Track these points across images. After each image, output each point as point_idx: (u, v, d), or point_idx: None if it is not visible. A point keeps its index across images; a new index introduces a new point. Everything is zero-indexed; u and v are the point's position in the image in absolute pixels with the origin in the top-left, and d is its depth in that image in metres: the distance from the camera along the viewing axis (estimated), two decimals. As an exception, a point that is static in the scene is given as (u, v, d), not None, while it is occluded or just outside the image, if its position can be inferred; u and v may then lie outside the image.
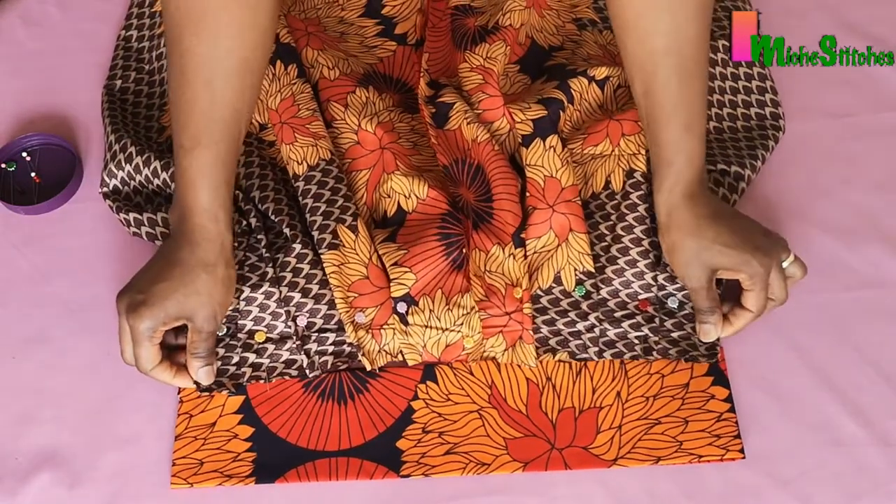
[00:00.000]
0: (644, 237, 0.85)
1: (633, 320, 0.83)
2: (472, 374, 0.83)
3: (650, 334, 0.83)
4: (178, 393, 0.83)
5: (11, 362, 0.86)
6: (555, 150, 0.88)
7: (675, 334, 0.83)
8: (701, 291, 0.80)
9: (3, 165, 0.96)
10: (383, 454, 0.80)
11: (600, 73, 0.93)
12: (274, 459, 0.80)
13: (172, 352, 0.81)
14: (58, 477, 0.80)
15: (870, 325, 0.85)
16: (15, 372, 0.86)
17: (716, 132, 0.94)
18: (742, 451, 0.79)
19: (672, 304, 0.84)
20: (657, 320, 0.84)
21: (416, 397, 0.82)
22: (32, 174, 0.95)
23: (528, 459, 0.79)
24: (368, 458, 0.80)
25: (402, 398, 0.82)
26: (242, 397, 0.83)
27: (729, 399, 0.81)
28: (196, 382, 0.80)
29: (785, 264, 0.80)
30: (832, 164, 0.94)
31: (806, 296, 0.86)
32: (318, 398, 0.82)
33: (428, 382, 0.83)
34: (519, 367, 0.83)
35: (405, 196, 0.87)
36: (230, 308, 0.83)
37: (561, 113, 0.91)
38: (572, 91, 0.92)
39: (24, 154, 0.96)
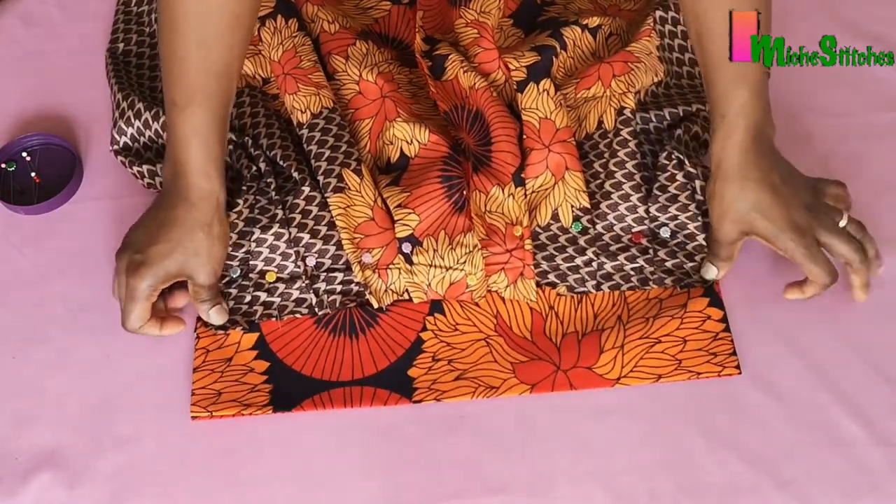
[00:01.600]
0: (635, 171, 0.88)
1: (629, 253, 0.87)
2: (477, 304, 0.86)
3: (645, 265, 0.86)
4: (195, 329, 0.86)
5: (11, 362, 0.86)
6: (548, 93, 0.91)
7: (669, 263, 0.87)
8: (723, 244, 0.83)
9: (3, 165, 0.96)
10: (396, 382, 0.83)
11: (592, 21, 0.96)
12: (290, 390, 0.83)
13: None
14: (58, 477, 0.80)
15: (870, 325, 0.85)
16: (15, 372, 0.86)
17: (688, 77, 0.96)
18: (738, 367, 0.82)
19: (664, 233, 0.87)
20: (651, 251, 0.87)
21: (424, 328, 0.85)
22: (32, 174, 0.95)
23: (535, 381, 0.82)
24: (382, 386, 0.83)
25: (411, 329, 0.85)
26: (257, 334, 0.85)
27: (724, 319, 0.84)
28: (207, 323, 0.84)
29: (842, 223, 0.82)
30: (832, 164, 0.94)
31: (806, 296, 0.86)
32: (331, 333, 0.85)
33: (435, 314, 0.86)
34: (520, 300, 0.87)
35: (407, 142, 0.90)
36: (242, 250, 0.86)
37: (554, 59, 0.93)
38: (565, 38, 0.94)
39: (24, 154, 0.96)
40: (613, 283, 0.86)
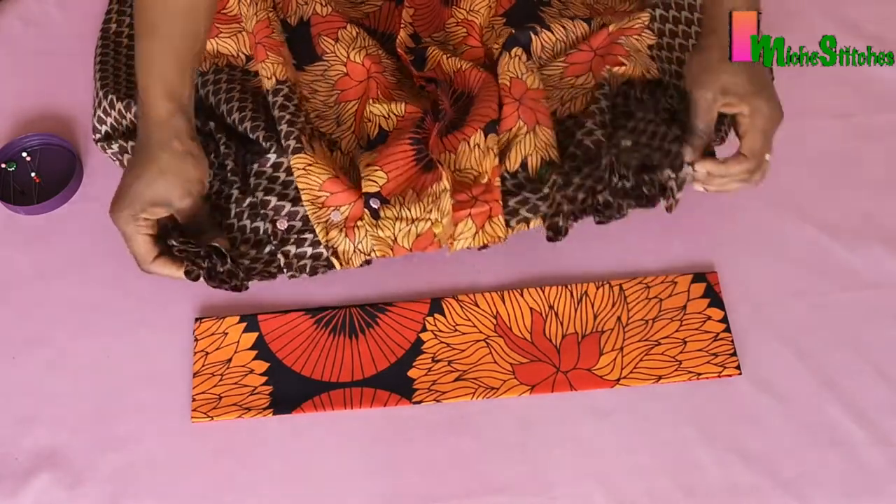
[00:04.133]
0: (601, 128, 0.85)
1: (594, 165, 0.82)
2: (477, 305, 0.87)
3: (613, 177, 0.81)
4: (194, 332, 0.86)
5: (12, 362, 0.86)
6: (520, 59, 0.90)
7: (634, 163, 0.82)
8: (702, 107, 0.81)
9: (3, 165, 0.96)
10: (396, 383, 0.83)
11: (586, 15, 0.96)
12: (290, 391, 0.83)
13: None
14: (58, 477, 0.80)
15: (870, 325, 0.85)
16: (15, 372, 0.86)
17: None
18: (738, 367, 0.82)
19: (625, 143, 0.83)
20: (616, 164, 0.82)
21: (424, 329, 0.86)
22: (32, 174, 0.95)
23: (535, 382, 0.82)
24: (382, 388, 0.83)
25: (410, 330, 0.86)
26: (256, 334, 0.85)
27: (724, 320, 0.84)
28: (188, 271, 0.81)
29: None
30: (832, 164, 0.94)
31: (806, 296, 0.86)
32: (330, 333, 0.86)
33: (435, 315, 0.86)
34: (521, 296, 0.86)
35: (384, 117, 0.90)
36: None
37: (532, 35, 0.93)
38: (549, 23, 0.94)
39: (24, 154, 0.96)
40: (588, 204, 0.82)
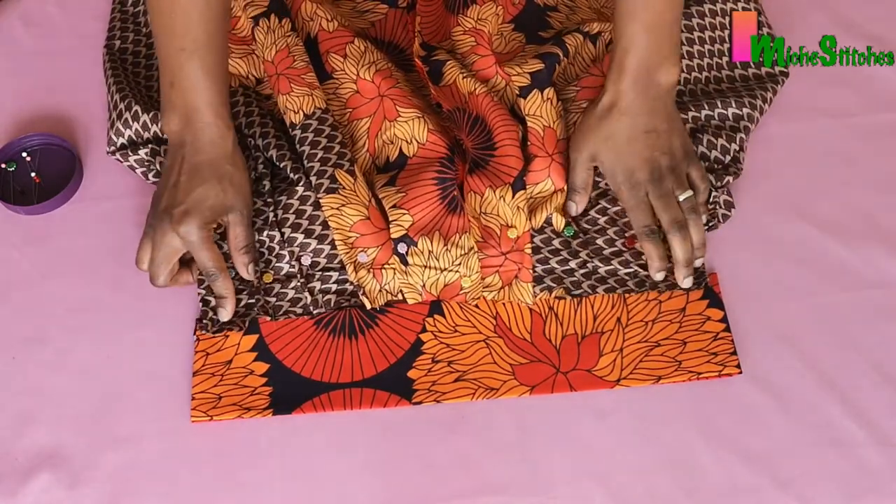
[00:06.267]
0: None
1: (622, 257, 0.87)
2: (476, 306, 0.87)
3: (640, 269, 0.87)
4: (194, 332, 0.86)
5: (11, 362, 0.86)
6: (551, 103, 0.91)
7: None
8: (578, 168, 0.88)
9: (3, 165, 0.96)
10: (395, 384, 0.83)
11: (593, 28, 0.97)
12: (290, 392, 0.83)
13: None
14: (58, 477, 0.80)
15: (870, 325, 0.85)
16: (15, 372, 0.86)
17: (715, 81, 0.96)
18: (738, 366, 0.82)
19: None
20: (644, 256, 0.87)
21: (424, 330, 0.85)
22: (32, 174, 0.95)
23: (535, 383, 0.82)
24: (381, 388, 0.83)
25: (410, 331, 0.85)
26: (256, 336, 0.85)
27: (724, 320, 0.85)
28: (213, 320, 0.85)
29: (680, 197, 0.86)
30: (832, 164, 0.94)
31: (806, 296, 0.86)
32: (330, 334, 0.85)
33: (435, 316, 0.86)
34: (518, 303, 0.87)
35: (406, 142, 0.90)
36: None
37: (557, 66, 0.94)
38: (567, 45, 0.95)
39: (24, 154, 0.96)
40: (608, 286, 0.86)
